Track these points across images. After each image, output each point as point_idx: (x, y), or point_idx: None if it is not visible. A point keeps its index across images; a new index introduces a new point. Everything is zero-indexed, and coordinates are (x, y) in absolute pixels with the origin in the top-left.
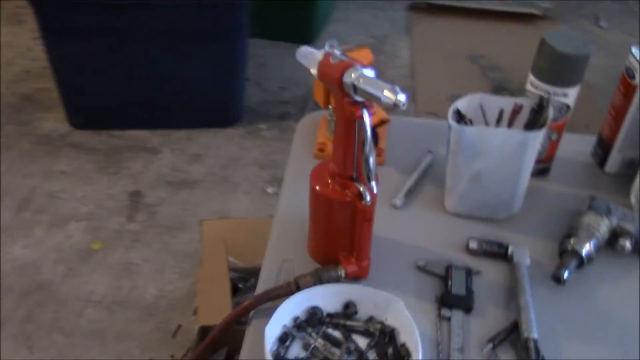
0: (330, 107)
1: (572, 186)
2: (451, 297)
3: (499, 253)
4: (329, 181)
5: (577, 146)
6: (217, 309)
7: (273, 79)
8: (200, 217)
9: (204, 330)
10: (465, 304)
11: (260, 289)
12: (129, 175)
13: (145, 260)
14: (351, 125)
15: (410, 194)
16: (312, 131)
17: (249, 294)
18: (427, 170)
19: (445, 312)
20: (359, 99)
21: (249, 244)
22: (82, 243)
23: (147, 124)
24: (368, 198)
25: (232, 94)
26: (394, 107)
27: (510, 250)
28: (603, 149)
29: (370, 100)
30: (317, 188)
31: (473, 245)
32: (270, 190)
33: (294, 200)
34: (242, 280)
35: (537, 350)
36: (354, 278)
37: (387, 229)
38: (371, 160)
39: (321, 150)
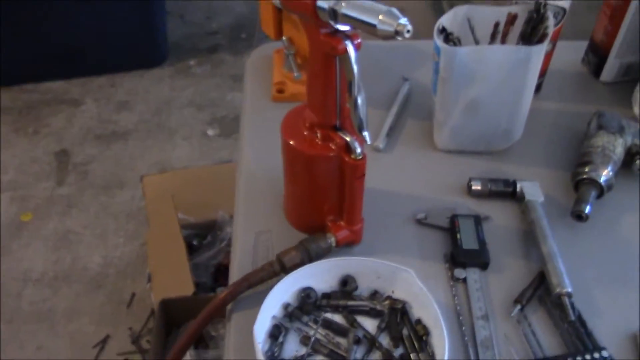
0: (284, 38)
1: (569, 101)
2: (463, 254)
3: (506, 192)
4: (306, 133)
5: (565, 54)
6: (174, 275)
7: (196, 9)
8: (138, 172)
9: (166, 305)
10: (480, 259)
11: (235, 273)
12: (51, 134)
13: (84, 226)
14: (331, 63)
15: (392, 132)
16: (265, 68)
17: (206, 252)
18: (406, 102)
19: (459, 272)
20: (341, 27)
21: (198, 197)
22: (9, 216)
23: (62, 73)
24: (359, 150)
25: (153, 29)
26: (394, 36)
27: (518, 187)
28: (597, 55)
29: (355, 29)
30: (292, 143)
31: (476, 186)
32: (211, 132)
33: (258, 156)
34: (197, 237)
35: (573, 306)
36: (347, 245)
37: (373, 177)
38: (360, 103)
39: (280, 91)
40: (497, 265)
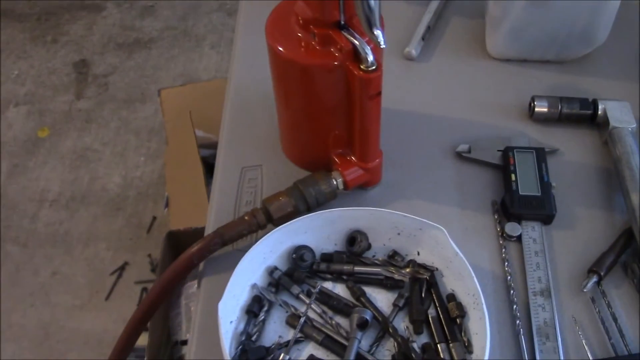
0: None
1: None
2: (519, 202)
3: (583, 115)
4: (300, 34)
5: None
6: (192, 200)
7: None
8: (162, 84)
9: (172, 237)
10: (542, 210)
11: (211, 224)
12: (71, 42)
13: (103, 143)
14: None
15: (431, 34)
16: None
17: None
18: None
19: (512, 227)
20: None
21: (219, 112)
22: (25, 132)
23: None
24: (371, 58)
25: None
26: None
27: (600, 108)
28: None
29: None
30: (281, 49)
31: (541, 107)
32: None
33: (252, 69)
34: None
35: None
36: (360, 187)
37: (401, 94)
38: None
39: None
40: (566, 218)
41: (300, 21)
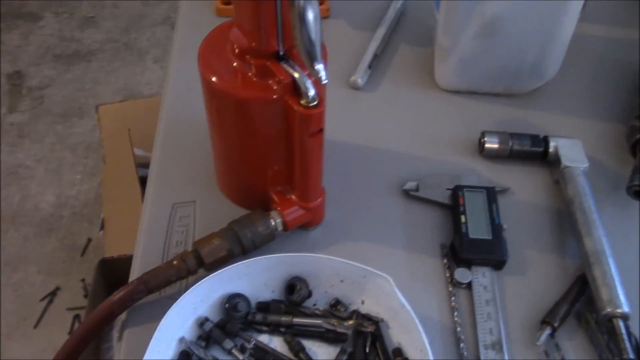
0: None
1: (624, 26)
2: (469, 246)
3: (534, 153)
4: (235, 64)
5: None
6: (127, 224)
7: None
8: (101, 98)
9: (106, 264)
10: (493, 254)
11: (137, 268)
12: (5, 52)
13: (36, 160)
14: None
15: (378, 63)
16: None
17: None
18: (399, 22)
19: (462, 274)
20: None
21: None
22: None
23: None
24: (312, 93)
25: None
26: None
27: (552, 146)
28: None
29: None
30: (215, 80)
31: (491, 143)
32: None
33: (189, 92)
34: None
35: (630, 334)
36: (302, 227)
37: (345, 126)
38: (311, 19)
39: (228, 2)
40: (517, 263)
41: (236, 50)
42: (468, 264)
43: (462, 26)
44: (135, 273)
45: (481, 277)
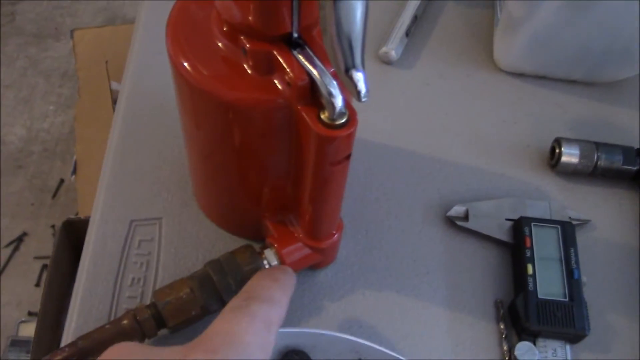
0: None
1: None
2: (537, 310)
3: (625, 172)
4: (221, 46)
5: None
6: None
7: None
8: (80, 18)
9: (71, 227)
10: (569, 326)
11: (71, 323)
12: None
13: (5, 86)
14: None
15: (417, 31)
16: None
17: None
18: None
19: (525, 350)
20: None
21: None
22: None
23: None
24: (339, 103)
25: None
26: None
27: None
28: None
29: None
30: (189, 68)
31: (570, 155)
32: None
33: (155, 77)
34: None
35: None
36: (310, 267)
37: (371, 117)
38: None
39: None
40: (599, 334)
41: (224, 27)
42: (534, 335)
43: None
44: (69, 333)
45: (550, 354)
